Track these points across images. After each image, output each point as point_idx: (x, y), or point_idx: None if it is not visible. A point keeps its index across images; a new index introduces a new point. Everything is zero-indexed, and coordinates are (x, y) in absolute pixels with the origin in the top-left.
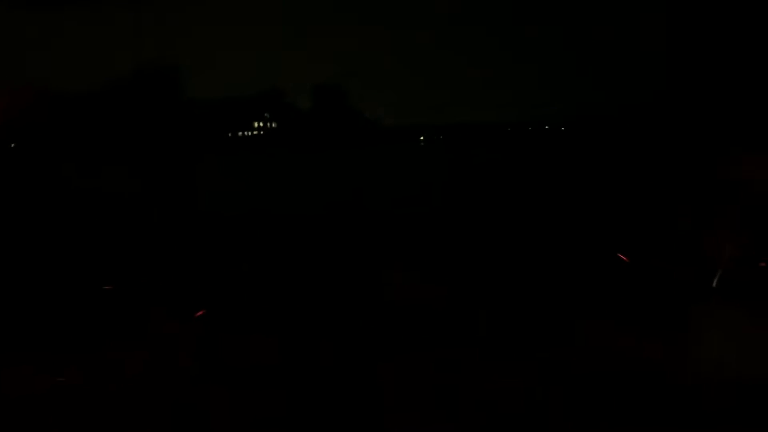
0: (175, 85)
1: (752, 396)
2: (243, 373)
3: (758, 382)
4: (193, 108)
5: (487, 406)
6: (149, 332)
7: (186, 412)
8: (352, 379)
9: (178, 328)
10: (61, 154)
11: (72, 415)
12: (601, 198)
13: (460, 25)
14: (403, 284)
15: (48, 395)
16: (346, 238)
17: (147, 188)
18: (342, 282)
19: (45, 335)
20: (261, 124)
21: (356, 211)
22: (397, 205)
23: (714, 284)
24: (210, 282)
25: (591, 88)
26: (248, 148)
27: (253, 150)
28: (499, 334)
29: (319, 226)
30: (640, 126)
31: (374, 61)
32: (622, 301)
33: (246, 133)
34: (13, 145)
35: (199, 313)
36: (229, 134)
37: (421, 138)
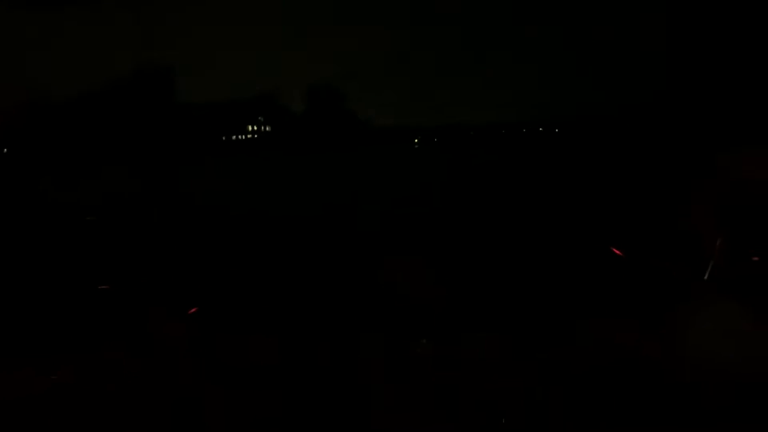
0: (169, 88)
1: (751, 392)
2: (241, 372)
3: (756, 378)
4: (188, 111)
5: (488, 406)
6: (146, 332)
7: (184, 412)
8: (350, 379)
9: (174, 328)
10: (56, 156)
11: (70, 415)
12: (597, 196)
13: (457, 25)
14: (401, 284)
15: (45, 396)
16: (342, 239)
17: (142, 190)
18: (340, 282)
19: (40, 336)
20: (255, 128)
21: (352, 212)
22: (394, 205)
23: (706, 277)
24: (207, 282)
25: (587, 89)
26: (243, 152)
27: (247, 153)
28: (499, 333)
29: (315, 226)
30: (635, 126)
31: (368, 63)
32: (618, 296)
33: (240, 136)
34: (5, 150)
35: (192, 310)
36: (224, 138)
37: (416, 140)
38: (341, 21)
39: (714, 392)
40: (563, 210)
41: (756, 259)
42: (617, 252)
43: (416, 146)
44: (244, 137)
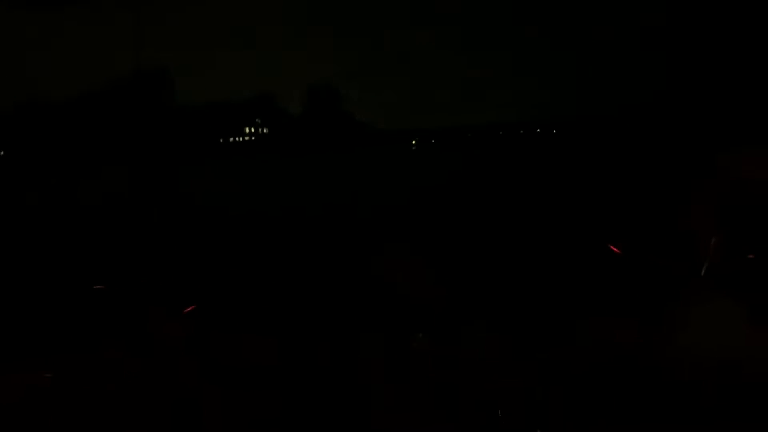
0: (167, 89)
1: (749, 390)
2: (240, 372)
3: (754, 375)
4: (185, 113)
5: (488, 406)
6: (145, 332)
7: (183, 412)
8: (349, 378)
9: (173, 328)
10: (52, 158)
11: (70, 415)
12: (595, 195)
13: (453, 26)
14: (400, 284)
15: (45, 397)
16: (341, 239)
17: (140, 191)
18: (339, 281)
19: (39, 336)
20: (253, 130)
21: (350, 212)
22: (392, 205)
23: (702, 274)
24: (205, 281)
25: (586, 89)
26: (240, 154)
27: (245, 155)
28: (499, 333)
29: (312, 227)
30: (633, 125)
31: (365, 65)
32: (617, 294)
33: (238, 138)
34: (2, 153)
35: (189, 308)
36: (221, 140)
37: (413, 141)
38: (339, 22)
39: (713, 390)
40: (561, 208)
41: (752, 256)
42: (615, 250)
43: (414, 147)
44: (241, 139)
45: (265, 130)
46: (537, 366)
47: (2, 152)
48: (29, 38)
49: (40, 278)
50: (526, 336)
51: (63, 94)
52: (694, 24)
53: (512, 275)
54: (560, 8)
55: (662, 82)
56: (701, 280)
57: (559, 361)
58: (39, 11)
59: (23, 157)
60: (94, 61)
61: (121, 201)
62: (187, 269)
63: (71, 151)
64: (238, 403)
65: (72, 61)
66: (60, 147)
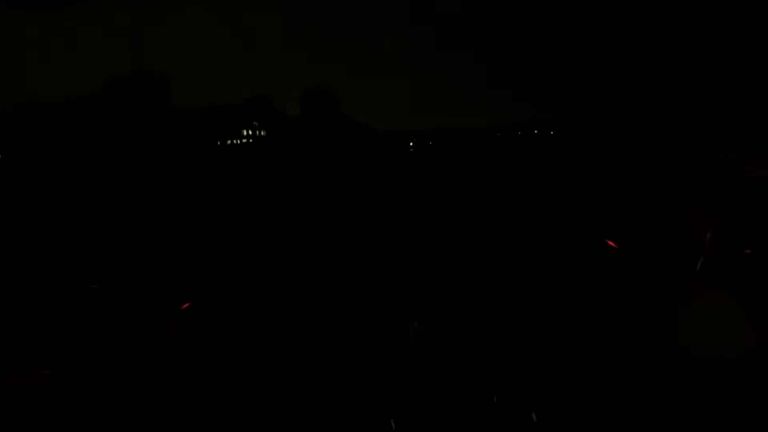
0: (164, 92)
1: (749, 388)
2: (238, 372)
3: (753, 371)
4: (182, 115)
5: (487, 406)
6: (144, 332)
7: (183, 412)
8: (348, 378)
9: (172, 328)
10: (50, 159)
11: (69, 415)
12: (593, 192)
13: (449, 27)
14: (399, 284)
15: (44, 396)
16: (339, 240)
17: (136, 194)
18: (337, 280)
19: (37, 336)
20: (250, 132)
21: (349, 214)
22: (390, 207)
23: (698, 269)
24: (203, 282)
25: (585, 89)
26: (238, 156)
27: (243, 158)
28: (499, 332)
29: (310, 229)
30: (631, 124)
31: (363, 67)
32: (615, 289)
33: (235, 141)
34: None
35: (185, 305)
36: (218, 142)
37: (411, 143)
38: (336, 24)
39: (712, 388)
40: (559, 206)
41: (748, 252)
42: (612, 244)
43: (411, 149)
44: (239, 141)
45: (262, 133)
46: (537, 365)
47: (1, 155)
48: (27, 38)
49: (39, 278)
50: (526, 335)
51: (60, 95)
52: (693, 22)
53: (511, 273)
54: (559, 9)
55: (659, 81)
56: (697, 274)
57: (559, 360)
58: (38, 11)
59: (22, 157)
60: (92, 62)
61: (120, 202)
62: (185, 269)
63: (70, 151)
64: (238, 403)
65: (69, 63)
66: (58, 148)
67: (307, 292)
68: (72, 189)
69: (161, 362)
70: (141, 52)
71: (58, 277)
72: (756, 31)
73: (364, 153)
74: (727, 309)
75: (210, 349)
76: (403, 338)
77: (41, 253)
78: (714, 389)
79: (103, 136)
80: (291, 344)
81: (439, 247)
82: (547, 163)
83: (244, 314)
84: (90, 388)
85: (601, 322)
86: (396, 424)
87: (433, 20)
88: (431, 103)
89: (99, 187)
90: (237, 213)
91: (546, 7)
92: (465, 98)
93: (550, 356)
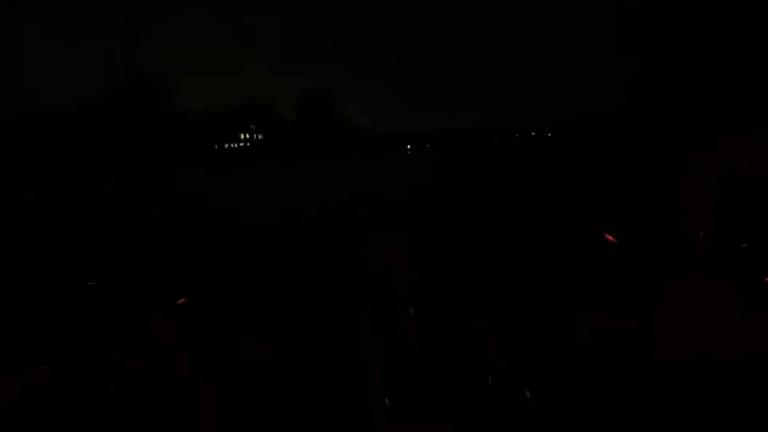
0: (160, 96)
1: (749, 386)
2: (236, 373)
3: (752, 367)
4: (180, 119)
5: (487, 406)
6: (140, 331)
7: (182, 412)
8: (346, 378)
9: (169, 327)
10: (48, 160)
11: (68, 415)
12: (591, 189)
13: (447, 28)
14: (397, 283)
15: (42, 396)
16: (337, 242)
17: (134, 196)
18: (334, 283)
19: (36, 335)
20: (247, 136)
21: (347, 216)
22: (389, 208)
23: (695, 263)
24: (201, 282)
25: (583, 89)
26: (236, 160)
27: (241, 161)
28: (499, 332)
29: (308, 231)
30: (629, 121)
31: (361, 69)
32: (613, 284)
33: (233, 144)
34: None
35: (181, 300)
36: (216, 146)
37: (408, 146)
38: (333, 28)
39: (712, 387)
40: (558, 206)
41: (744, 246)
42: (611, 238)
43: (409, 152)
44: (236, 145)
45: (260, 136)
46: (537, 365)
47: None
48: (27, 38)
49: (38, 277)
50: (526, 334)
51: (59, 95)
52: (692, 21)
53: (511, 274)
54: (556, 10)
55: (655, 82)
56: (694, 269)
57: (558, 360)
58: (37, 11)
59: (22, 157)
60: (90, 63)
61: (119, 203)
62: (183, 269)
63: (69, 152)
64: (235, 402)
65: (66, 64)
66: (58, 148)
67: (304, 292)
68: (72, 189)
69: (159, 362)
70: (139, 54)
71: (57, 276)
72: (754, 31)
73: (361, 156)
74: (725, 305)
75: (207, 348)
76: (401, 338)
77: (41, 252)
78: (714, 388)
79: (103, 136)
80: (289, 344)
81: (438, 249)
82: (545, 163)
83: (242, 314)
84: (88, 387)
85: (600, 322)
86: (395, 423)
87: (431, 22)
88: (428, 106)
89: (99, 187)
90: (235, 215)
91: (542, 9)
92: (462, 100)
93: (550, 356)
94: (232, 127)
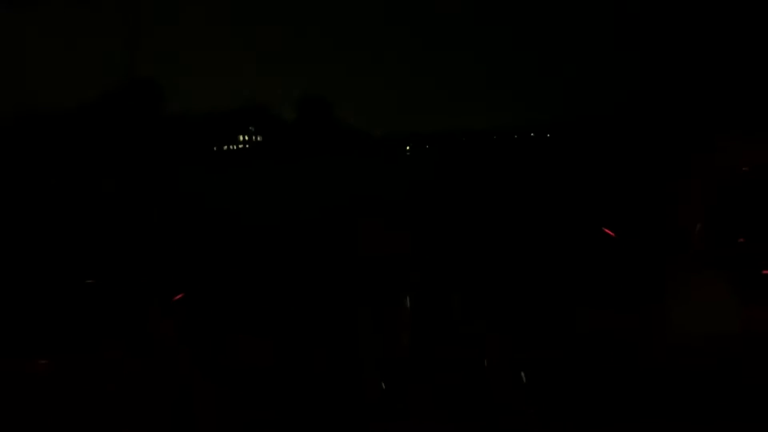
0: (157, 98)
1: (749, 386)
2: (235, 373)
3: (750, 362)
4: (178, 121)
5: (487, 406)
6: (138, 331)
7: (179, 412)
8: (346, 378)
9: (165, 325)
10: (48, 160)
11: (66, 415)
12: (590, 186)
13: (445, 28)
14: (397, 283)
15: (41, 395)
16: (336, 242)
17: (132, 198)
18: (334, 283)
19: (34, 334)
20: (246, 138)
21: (346, 217)
22: (388, 210)
23: (694, 258)
24: (199, 282)
25: (582, 89)
26: (235, 162)
27: (239, 163)
28: (499, 332)
29: (307, 232)
30: (628, 120)
31: (360, 71)
32: (613, 285)
33: (232, 146)
34: None
35: (178, 296)
36: (215, 148)
37: (407, 147)
38: (331, 28)
39: (711, 387)
40: (557, 207)
41: (742, 240)
42: (609, 233)
43: (408, 153)
44: (235, 147)
45: (258, 138)
46: (537, 364)
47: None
48: (26, 38)
49: (36, 276)
50: (526, 335)
51: (57, 96)
52: (690, 21)
53: (511, 274)
54: (556, 10)
55: (653, 75)
56: (693, 263)
57: (558, 359)
58: (37, 10)
59: (21, 157)
60: (90, 64)
61: (118, 204)
62: (182, 269)
63: (70, 152)
64: (235, 401)
65: (64, 64)
66: (58, 148)
67: (303, 291)
68: (72, 189)
69: (158, 359)
70: (135, 59)
71: (56, 274)
72: (754, 31)
73: (360, 156)
74: (724, 297)
75: (206, 347)
76: (401, 337)
77: (40, 250)
78: (713, 388)
79: (102, 137)
80: (288, 343)
81: (438, 249)
82: (544, 164)
83: (241, 314)
84: (86, 385)
85: (600, 319)
86: (395, 423)
87: (431, 22)
88: (427, 106)
89: (98, 187)
90: (233, 215)
91: (541, 9)
92: (461, 101)
93: (549, 356)
94: (230, 127)
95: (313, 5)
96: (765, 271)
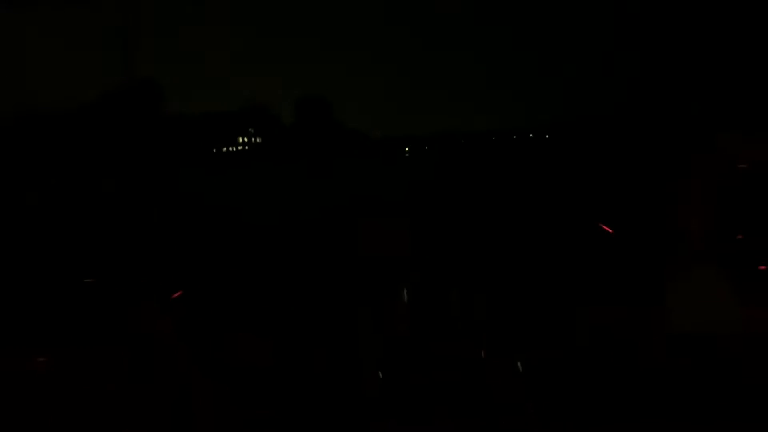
0: (158, 99)
1: (750, 386)
2: (234, 372)
3: (750, 358)
4: (177, 123)
5: (487, 406)
6: (134, 326)
7: (180, 412)
8: (345, 376)
9: (165, 324)
10: (49, 161)
11: (66, 414)
12: (588, 184)
13: (444, 29)
14: (396, 282)
15: (40, 395)
16: (336, 243)
17: (132, 200)
18: (333, 283)
19: (32, 333)
20: (246, 139)
21: (345, 217)
22: (387, 210)
23: (690, 255)
24: (196, 279)
25: (581, 90)
26: (234, 163)
27: (239, 165)
28: (499, 331)
29: (306, 233)
30: (627, 120)
31: (358, 73)
32: (611, 278)
33: (231, 148)
34: None
35: (176, 294)
36: (214, 150)
37: (406, 149)
38: (330, 30)
39: (711, 386)
40: (556, 207)
41: (740, 237)
42: (607, 229)
43: (407, 155)
44: (234, 149)
45: (258, 140)
46: (536, 363)
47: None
48: (26, 38)
49: (35, 274)
50: (526, 335)
51: (56, 96)
52: (689, 20)
53: (511, 274)
54: (555, 10)
55: (655, 78)
56: (690, 260)
57: (558, 359)
58: (36, 10)
59: (21, 157)
60: (89, 66)
61: (117, 204)
62: (181, 267)
63: (70, 153)
64: (233, 399)
65: (63, 66)
66: (58, 149)
67: (301, 290)
68: (72, 188)
69: (156, 359)
70: (137, 57)
71: (55, 273)
72: (753, 31)
73: (360, 158)
74: (723, 292)
75: (205, 345)
76: (400, 337)
77: (40, 249)
78: (713, 387)
79: (101, 137)
80: (286, 342)
81: (438, 248)
82: (543, 165)
83: (240, 312)
84: (84, 383)
85: (600, 321)
86: (395, 423)
87: (431, 24)
88: (426, 108)
89: (98, 187)
90: (232, 216)
91: (541, 10)
92: (460, 101)
93: (549, 355)
94: (230, 131)
95: (313, 7)
96: (762, 267)
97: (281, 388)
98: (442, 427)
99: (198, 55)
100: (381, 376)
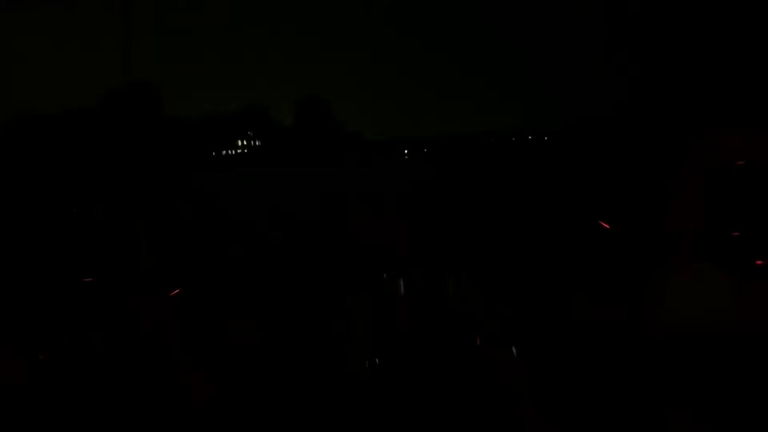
0: (156, 103)
1: (750, 386)
2: (230, 363)
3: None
4: (176, 125)
5: (486, 404)
6: (135, 325)
7: (179, 408)
8: (342, 372)
9: (162, 322)
10: (49, 162)
11: (64, 413)
12: (587, 183)
13: (443, 32)
14: (394, 280)
15: (39, 393)
16: (334, 243)
17: (133, 195)
18: (330, 278)
19: (30, 331)
20: (245, 142)
21: (343, 217)
22: (387, 210)
23: (688, 252)
24: (196, 277)
25: (581, 90)
26: (234, 166)
27: (238, 167)
28: (498, 331)
29: (305, 233)
30: (626, 121)
31: (358, 74)
32: (610, 276)
33: (230, 151)
34: None
35: (175, 291)
36: (213, 153)
37: (406, 151)
38: (329, 34)
39: (711, 386)
40: (555, 208)
41: (736, 234)
42: (605, 225)
43: (406, 157)
44: (234, 152)
45: (257, 142)
46: (536, 363)
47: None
48: (14, 44)
49: (35, 273)
50: (525, 333)
51: (56, 97)
52: (689, 20)
53: (510, 269)
54: (555, 11)
55: (655, 78)
56: (686, 257)
57: (558, 359)
58: (35, 10)
59: (21, 157)
60: (84, 72)
61: (117, 203)
62: (180, 265)
63: (67, 153)
64: (232, 396)
65: (63, 69)
66: (59, 150)
67: (300, 288)
68: (72, 188)
69: (153, 355)
70: (133, 64)
71: (54, 271)
72: (753, 31)
73: (358, 161)
74: (720, 287)
75: (202, 340)
76: (398, 334)
77: (39, 248)
78: (713, 387)
79: (100, 138)
80: (285, 339)
81: (438, 248)
82: (542, 166)
83: (238, 309)
84: (81, 379)
85: (599, 320)
86: (391, 421)
87: (430, 25)
88: (425, 111)
89: (98, 186)
90: (232, 216)
91: (540, 11)
92: (460, 101)
93: (548, 353)
94: (229, 134)
95: (313, 9)
96: (759, 262)
97: (277, 381)
98: (442, 428)
99: (198, 56)
100: (377, 369)
